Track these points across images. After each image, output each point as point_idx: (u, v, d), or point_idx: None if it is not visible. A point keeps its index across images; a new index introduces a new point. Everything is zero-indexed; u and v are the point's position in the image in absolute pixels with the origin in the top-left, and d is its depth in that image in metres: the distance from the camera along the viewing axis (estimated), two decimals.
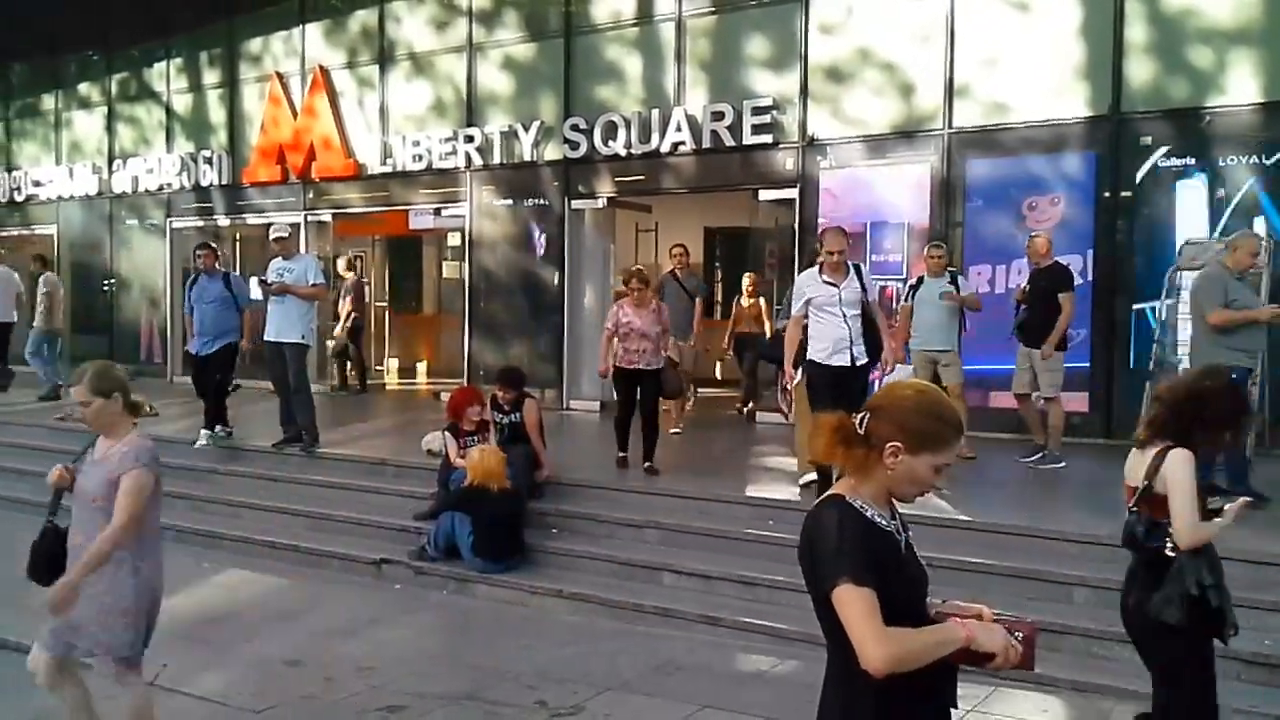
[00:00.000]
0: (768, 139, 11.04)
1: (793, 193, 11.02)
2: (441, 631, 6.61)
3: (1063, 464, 8.23)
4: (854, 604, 2.20)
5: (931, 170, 10.24)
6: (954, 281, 8.58)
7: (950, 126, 10.13)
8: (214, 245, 10.34)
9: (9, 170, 18.62)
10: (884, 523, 2.36)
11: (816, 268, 7.00)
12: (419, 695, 5.42)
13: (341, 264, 14.73)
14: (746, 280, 12.00)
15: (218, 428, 10.00)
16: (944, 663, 2.30)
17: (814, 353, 6.94)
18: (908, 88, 10.34)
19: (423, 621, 6.77)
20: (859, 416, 2.41)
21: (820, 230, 7.11)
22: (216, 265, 9.94)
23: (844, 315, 6.85)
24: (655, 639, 6.29)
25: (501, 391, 8.36)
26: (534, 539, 7.58)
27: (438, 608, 7.05)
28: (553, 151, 12.56)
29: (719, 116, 11.25)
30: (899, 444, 2.34)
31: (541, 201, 12.72)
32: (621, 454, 8.48)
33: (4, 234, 18.83)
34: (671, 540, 7.30)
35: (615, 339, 8.36)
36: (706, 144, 11.38)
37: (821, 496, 2.43)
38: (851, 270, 6.95)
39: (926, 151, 10.26)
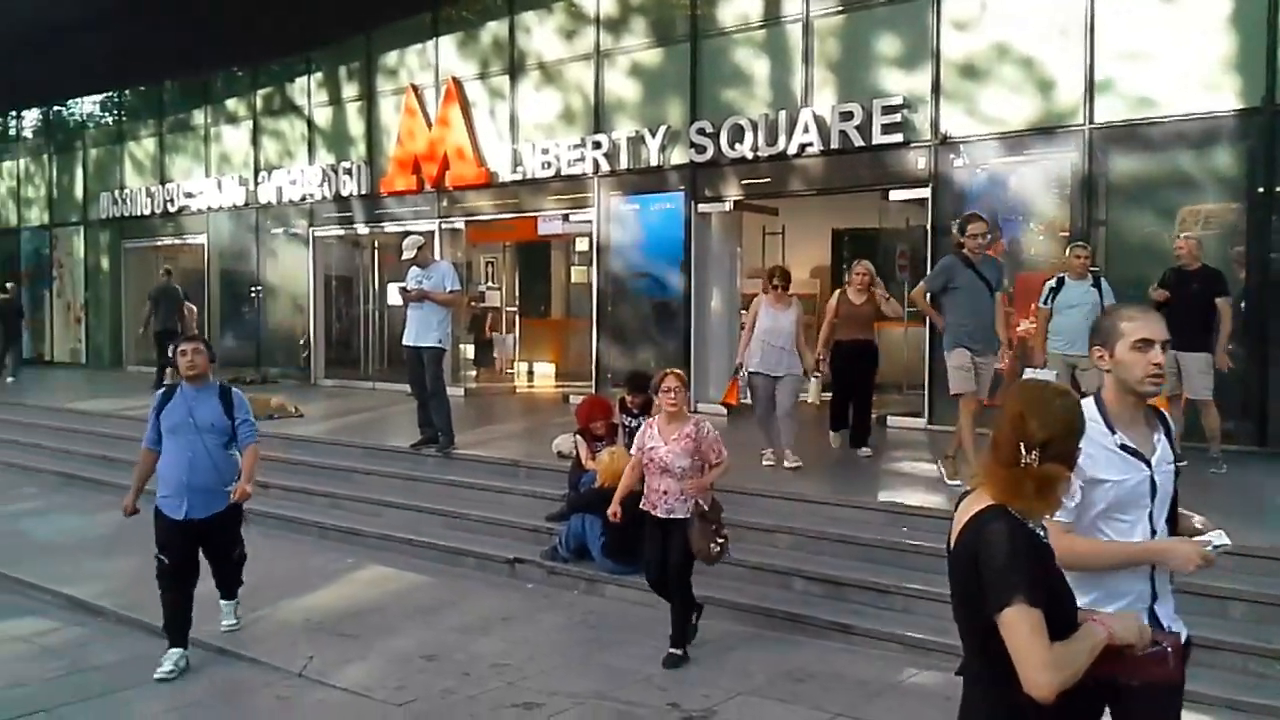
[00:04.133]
0: (898, 138, 10.85)
1: (925, 192, 10.81)
2: (573, 631, 6.69)
3: (1224, 469, 7.92)
4: (1023, 625, 2.19)
5: (1072, 167, 9.91)
6: (1097, 283, 8.30)
7: (1091, 122, 9.78)
8: (206, 341, 6.42)
9: (163, 183, 19.64)
10: (1042, 534, 2.34)
11: None
12: (552, 693, 5.52)
13: None
14: (857, 269, 9.42)
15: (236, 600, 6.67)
16: (1090, 679, 2.27)
17: None
18: (1046, 83, 10.03)
19: (555, 621, 6.87)
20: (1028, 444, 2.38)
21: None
22: (210, 373, 6.30)
23: None
24: (786, 644, 6.26)
25: (629, 395, 8.43)
26: None
27: (569, 607, 7.14)
28: (679, 155, 12.61)
29: (848, 116, 11.11)
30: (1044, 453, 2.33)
31: (668, 206, 12.78)
32: (675, 651, 6.00)
33: (158, 243, 19.91)
34: (802, 545, 7.24)
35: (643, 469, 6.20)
36: (835, 145, 11.25)
37: (982, 507, 2.39)
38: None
39: (1067, 148, 9.94)
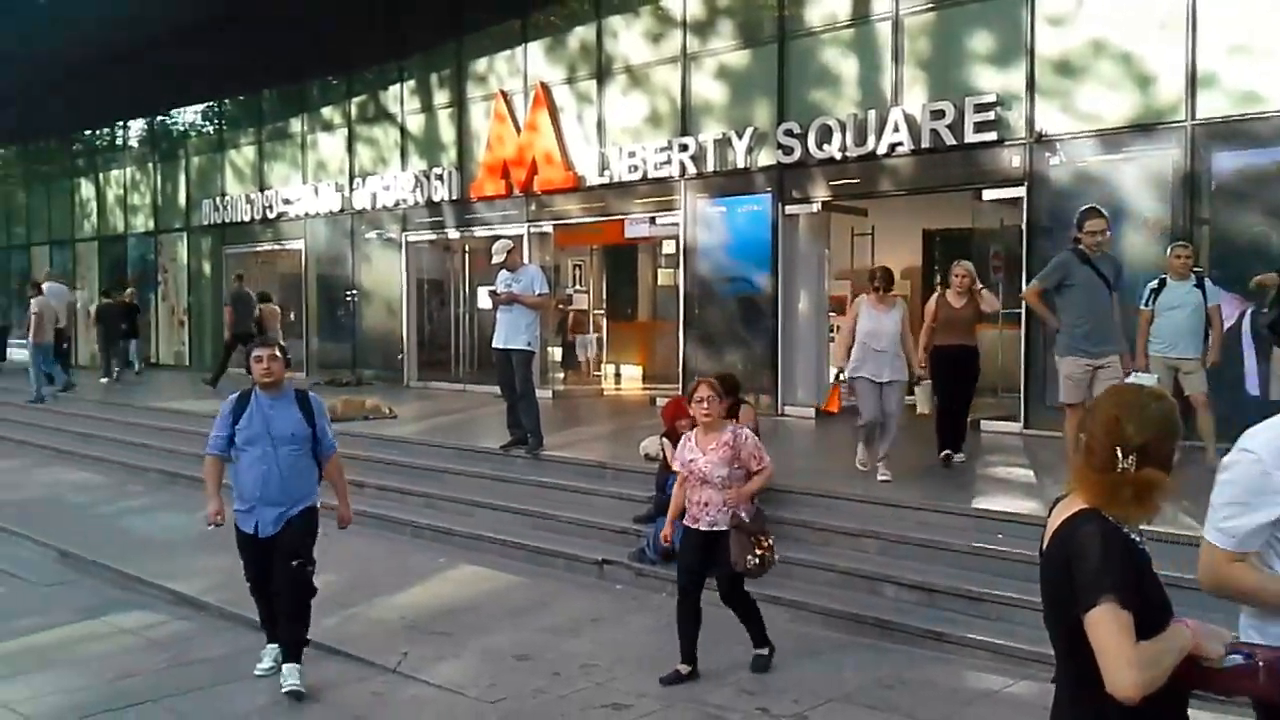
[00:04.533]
0: (992, 136, 10.64)
1: (1019, 191, 10.57)
2: (661, 633, 6.68)
3: None
4: (1111, 625, 2.14)
5: (1173, 165, 9.61)
6: (1200, 284, 8.05)
7: (1194, 118, 9.47)
8: (283, 347, 6.09)
9: (262, 190, 20.21)
10: (1139, 540, 2.29)
11: None
12: (641, 695, 5.55)
13: None
14: (957, 271, 8.95)
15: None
16: (1175, 691, 2.24)
17: None
18: (1145, 78, 9.74)
19: (643, 622, 6.90)
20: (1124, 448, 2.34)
21: None
22: (288, 378, 6.02)
23: None
24: (877, 651, 6.19)
25: None
26: None
27: (657, 610, 7.14)
28: (766, 157, 12.55)
29: (939, 115, 10.93)
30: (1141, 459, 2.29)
31: (755, 207, 12.73)
32: (685, 667, 5.78)
33: (258, 249, 20.51)
34: (890, 550, 7.15)
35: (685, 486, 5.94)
36: (925, 144, 11.08)
37: (1074, 510, 2.35)
38: None
39: (1168, 145, 9.64)
